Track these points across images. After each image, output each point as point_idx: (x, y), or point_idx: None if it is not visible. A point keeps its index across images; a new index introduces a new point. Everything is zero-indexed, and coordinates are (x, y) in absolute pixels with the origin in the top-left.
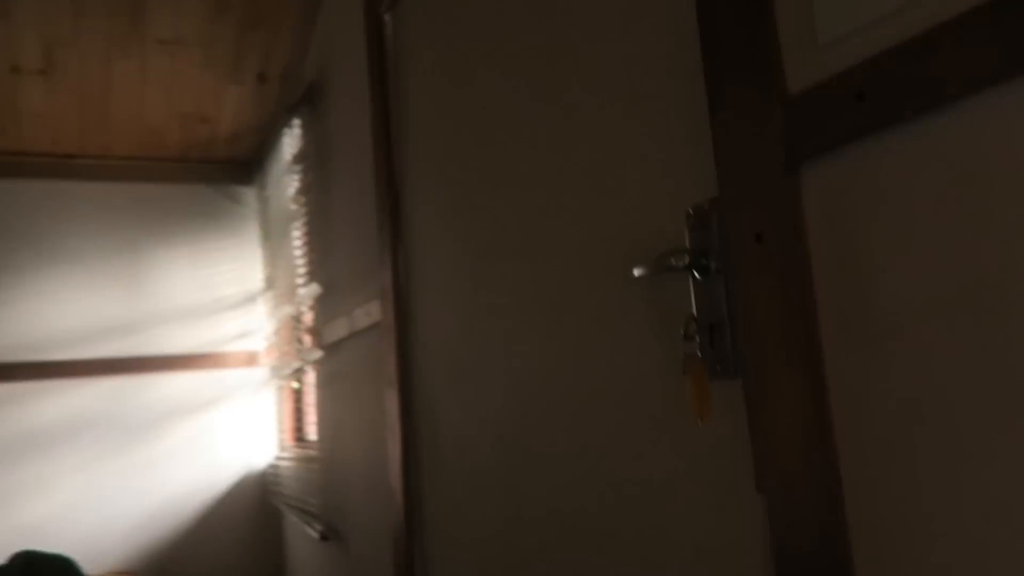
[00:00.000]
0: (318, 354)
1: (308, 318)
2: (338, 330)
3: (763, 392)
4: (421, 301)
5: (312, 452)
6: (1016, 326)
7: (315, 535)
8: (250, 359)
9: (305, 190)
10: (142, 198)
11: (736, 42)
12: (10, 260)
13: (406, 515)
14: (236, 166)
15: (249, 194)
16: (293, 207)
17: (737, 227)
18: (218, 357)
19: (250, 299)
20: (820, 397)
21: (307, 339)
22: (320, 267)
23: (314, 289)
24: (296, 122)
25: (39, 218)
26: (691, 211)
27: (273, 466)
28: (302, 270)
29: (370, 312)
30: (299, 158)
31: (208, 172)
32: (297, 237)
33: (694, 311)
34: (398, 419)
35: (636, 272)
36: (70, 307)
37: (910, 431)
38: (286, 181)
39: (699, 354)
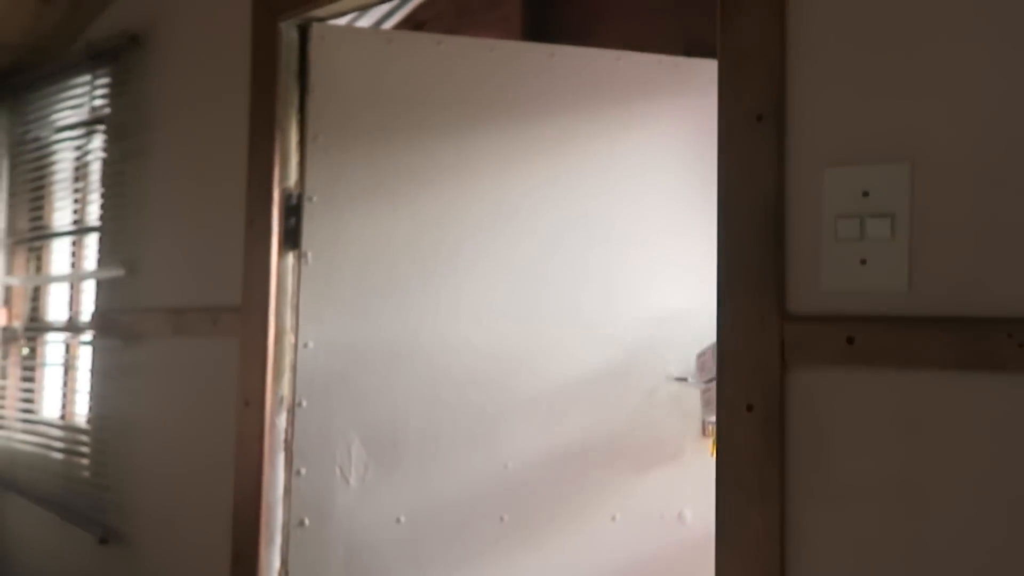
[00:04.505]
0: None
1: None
2: (146, 323)
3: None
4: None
5: (79, 436)
6: (937, 518)
7: (92, 537)
8: None
9: (113, 157)
10: None
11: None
12: None
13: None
14: None
15: None
16: (79, 165)
17: (733, 395)
18: None
19: None
20: (780, 531)
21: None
22: (122, 247)
23: (113, 271)
24: (98, 76)
25: None
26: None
27: None
28: (81, 240)
29: (218, 321)
30: (109, 120)
31: None
32: (74, 196)
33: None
34: (282, 443)
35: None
36: None
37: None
38: (67, 134)
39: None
